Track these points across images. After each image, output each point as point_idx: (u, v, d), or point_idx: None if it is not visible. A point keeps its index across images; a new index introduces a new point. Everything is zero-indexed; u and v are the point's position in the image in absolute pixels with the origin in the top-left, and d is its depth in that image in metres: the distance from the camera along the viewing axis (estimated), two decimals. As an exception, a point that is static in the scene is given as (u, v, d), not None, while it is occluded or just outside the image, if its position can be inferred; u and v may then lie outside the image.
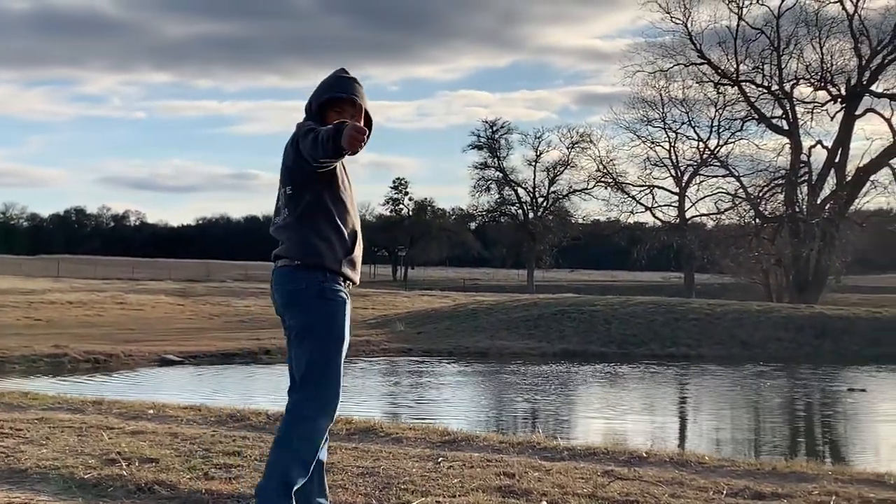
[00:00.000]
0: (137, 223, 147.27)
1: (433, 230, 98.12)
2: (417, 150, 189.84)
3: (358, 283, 4.67)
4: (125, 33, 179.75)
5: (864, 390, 18.98)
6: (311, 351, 4.45)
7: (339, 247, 4.53)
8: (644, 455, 7.31)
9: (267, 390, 18.00)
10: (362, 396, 17.47)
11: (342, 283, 4.55)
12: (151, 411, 9.27)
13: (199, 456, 6.56)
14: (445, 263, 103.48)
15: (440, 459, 6.75)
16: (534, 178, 79.49)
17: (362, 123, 4.40)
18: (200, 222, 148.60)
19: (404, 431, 8.29)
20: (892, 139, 46.29)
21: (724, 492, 6.01)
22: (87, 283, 51.06)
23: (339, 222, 4.53)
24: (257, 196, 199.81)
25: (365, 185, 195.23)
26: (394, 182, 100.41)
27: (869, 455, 12.81)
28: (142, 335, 26.30)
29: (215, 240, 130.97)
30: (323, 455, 4.71)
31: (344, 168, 4.61)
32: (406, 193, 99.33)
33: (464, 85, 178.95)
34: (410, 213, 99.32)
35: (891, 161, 46.18)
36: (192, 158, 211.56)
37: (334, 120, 4.34)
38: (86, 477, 5.79)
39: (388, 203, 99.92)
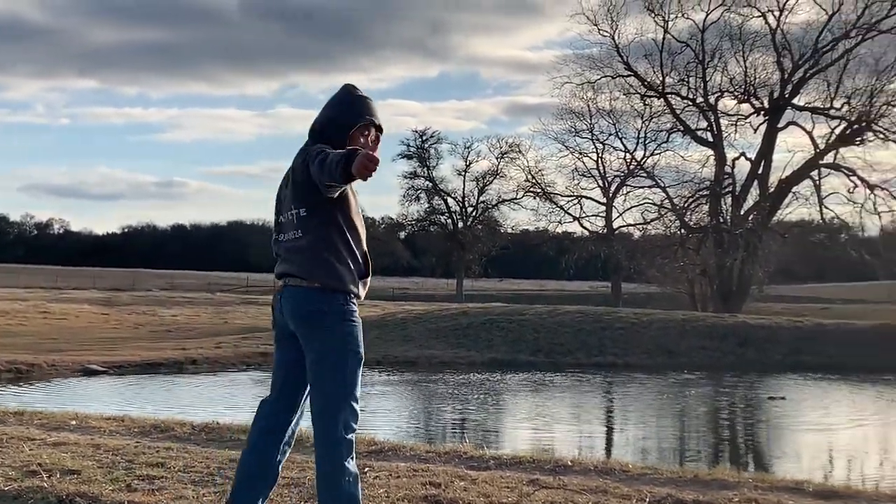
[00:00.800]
0: (61, 231, 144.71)
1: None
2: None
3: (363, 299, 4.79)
4: (49, 39, 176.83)
5: (783, 398, 19.31)
6: (336, 370, 4.54)
7: (355, 269, 4.64)
8: (569, 463, 7.38)
9: (192, 400, 17.85)
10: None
11: (356, 304, 4.67)
12: (74, 422, 9.15)
13: (121, 467, 6.49)
14: (376, 272, 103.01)
15: (367, 469, 6.74)
16: (463, 188, 79.62)
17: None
18: (126, 231, 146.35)
19: (331, 441, 8.25)
20: (813, 152, 47.20)
21: (647, 499, 6.08)
22: (10, 292, 50.13)
23: (353, 244, 4.63)
24: (184, 204, 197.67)
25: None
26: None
27: (789, 462, 13.04)
28: (65, 345, 25.91)
29: (141, 248, 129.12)
30: (279, 468, 4.78)
31: (353, 190, 4.66)
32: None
33: (392, 94, 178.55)
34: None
35: (812, 173, 47.05)
36: (117, 166, 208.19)
37: (360, 144, 4.53)
38: (6, 489, 5.69)
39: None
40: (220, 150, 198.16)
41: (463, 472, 6.87)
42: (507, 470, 7.16)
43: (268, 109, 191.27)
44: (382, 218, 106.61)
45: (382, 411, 17.15)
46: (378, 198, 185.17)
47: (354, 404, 4.57)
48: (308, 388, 4.66)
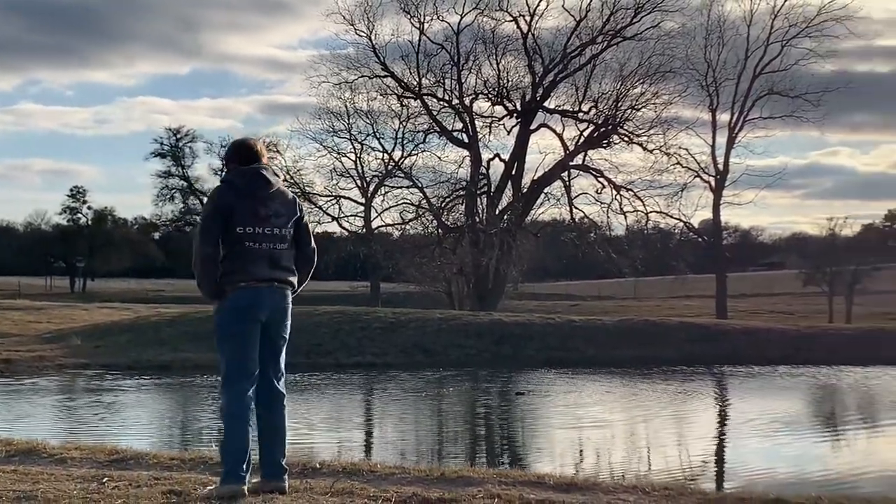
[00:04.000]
0: None
1: (115, 240, 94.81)
2: (96, 157, 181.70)
3: None
4: None
5: (528, 393, 19.88)
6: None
7: None
8: (317, 466, 7.35)
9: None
10: (29, 416, 16.60)
11: None
12: None
13: None
14: (128, 275, 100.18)
15: (105, 479, 6.52)
16: (220, 188, 78.47)
17: None
18: None
19: (69, 451, 7.95)
20: (563, 153, 48.88)
21: (393, 499, 6.10)
22: None
23: None
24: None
25: (40, 194, 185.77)
26: (71, 190, 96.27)
27: (531, 456, 13.43)
28: None
29: None
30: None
31: None
32: (84, 202, 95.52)
33: (143, 91, 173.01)
34: (89, 222, 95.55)
35: (562, 174, 48.72)
36: None
37: None
38: None
39: (65, 212, 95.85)
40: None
41: (207, 478, 6.72)
42: (254, 475, 7.02)
43: (9, 105, 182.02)
44: (136, 218, 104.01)
45: (132, 418, 16.62)
46: (129, 197, 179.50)
47: None
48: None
